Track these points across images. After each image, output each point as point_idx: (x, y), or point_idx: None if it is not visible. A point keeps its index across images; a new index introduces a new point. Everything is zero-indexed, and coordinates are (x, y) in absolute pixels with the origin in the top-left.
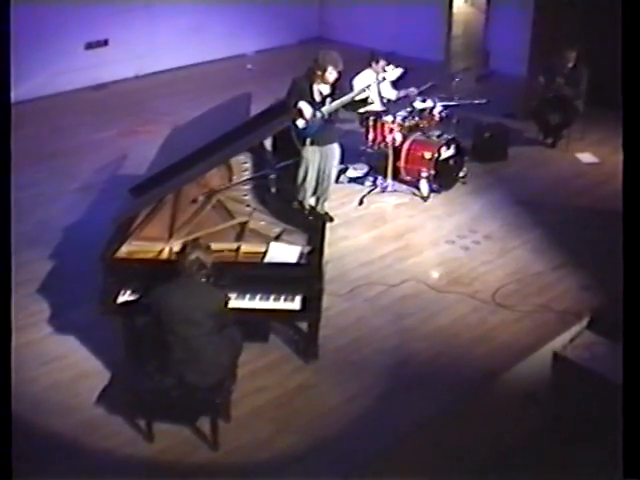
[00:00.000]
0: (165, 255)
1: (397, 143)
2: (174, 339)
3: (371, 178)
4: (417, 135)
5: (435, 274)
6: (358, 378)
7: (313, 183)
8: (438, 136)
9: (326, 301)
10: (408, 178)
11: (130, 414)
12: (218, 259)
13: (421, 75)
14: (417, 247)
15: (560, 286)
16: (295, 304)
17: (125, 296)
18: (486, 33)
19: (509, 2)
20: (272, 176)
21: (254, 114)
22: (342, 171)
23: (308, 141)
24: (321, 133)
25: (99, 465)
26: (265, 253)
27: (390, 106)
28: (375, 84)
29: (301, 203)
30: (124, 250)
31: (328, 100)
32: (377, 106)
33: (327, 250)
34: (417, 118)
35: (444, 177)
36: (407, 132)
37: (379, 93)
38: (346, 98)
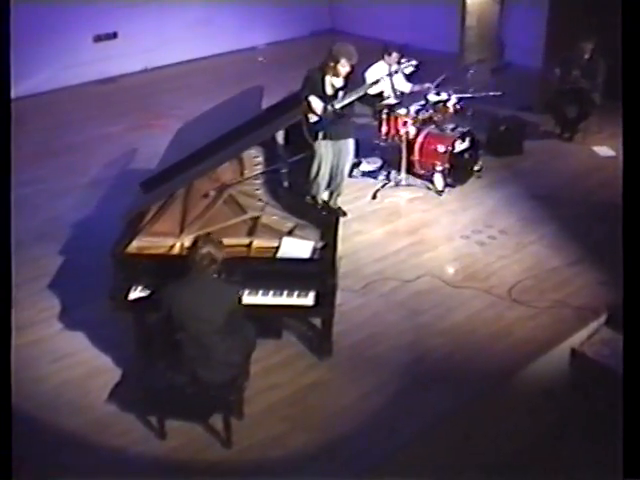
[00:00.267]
0: (176, 250)
1: (411, 136)
2: (186, 336)
3: (385, 172)
4: (431, 128)
5: (450, 269)
6: (373, 375)
7: (326, 178)
8: (452, 129)
9: (340, 297)
10: (422, 172)
11: (142, 412)
12: (230, 254)
13: (435, 67)
14: (432, 242)
15: (577, 282)
16: (308, 300)
17: (136, 292)
18: (501, 24)
19: None
20: (284, 170)
21: (266, 107)
22: (355, 165)
23: (320, 135)
24: (334, 127)
25: (111, 463)
26: (277, 248)
27: (404, 99)
28: (387, 77)
29: (314, 198)
30: (135, 245)
31: (340, 94)
32: (391, 99)
33: (340, 245)
34: (431, 111)
35: (459, 171)
36: (421, 125)
37: (392, 86)
38: (358, 92)
